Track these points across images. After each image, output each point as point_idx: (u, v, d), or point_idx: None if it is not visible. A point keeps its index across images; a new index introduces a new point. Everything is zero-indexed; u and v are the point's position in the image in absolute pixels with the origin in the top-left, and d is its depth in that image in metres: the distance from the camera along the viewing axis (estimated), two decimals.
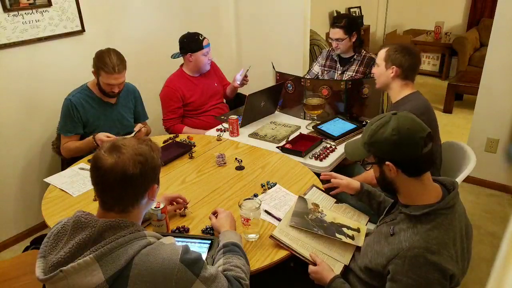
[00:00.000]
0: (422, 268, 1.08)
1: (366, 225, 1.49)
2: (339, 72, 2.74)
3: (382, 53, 1.92)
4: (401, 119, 1.14)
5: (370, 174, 1.86)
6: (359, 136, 1.33)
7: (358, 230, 1.40)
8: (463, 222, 1.19)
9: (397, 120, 1.14)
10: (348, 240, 1.35)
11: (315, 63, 2.92)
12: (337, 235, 1.37)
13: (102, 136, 2.09)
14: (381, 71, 1.92)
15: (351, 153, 1.34)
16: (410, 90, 1.88)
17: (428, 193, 1.17)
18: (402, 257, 1.11)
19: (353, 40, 2.64)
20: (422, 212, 1.14)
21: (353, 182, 1.60)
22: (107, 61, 2.08)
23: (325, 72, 2.81)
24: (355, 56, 2.69)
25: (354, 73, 2.68)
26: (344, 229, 1.39)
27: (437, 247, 1.08)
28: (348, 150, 1.36)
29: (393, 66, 1.85)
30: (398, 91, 1.89)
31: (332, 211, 1.50)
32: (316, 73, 2.86)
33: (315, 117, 2.38)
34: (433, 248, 1.08)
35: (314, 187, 1.70)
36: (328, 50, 2.86)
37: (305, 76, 2.80)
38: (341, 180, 1.62)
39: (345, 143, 1.43)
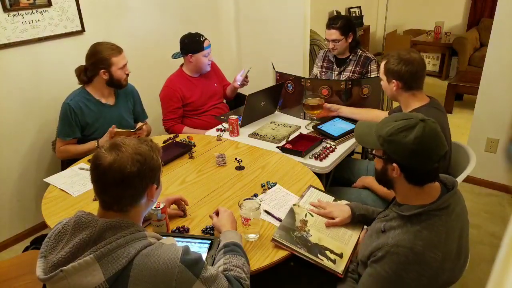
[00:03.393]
0: (399, 265, 1.09)
1: (359, 236, 1.48)
2: (336, 73, 2.74)
3: (381, 67, 1.85)
4: (427, 130, 1.11)
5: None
6: (375, 121, 1.29)
7: (341, 256, 1.37)
8: (462, 221, 1.19)
9: (423, 130, 1.10)
10: (329, 264, 1.34)
11: (314, 65, 2.93)
12: (319, 255, 1.36)
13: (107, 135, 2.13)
14: (385, 86, 1.85)
15: (362, 138, 1.30)
16: (419, 102, 1.80)
17: (425, 195, 1.17)
18: (384, 250, 1.12)
19: (350, 41, 2.64)
20: (413, 212, 1.14)
21: (344, 211, 1.49)
22: (108, 48, 2.15)
23: (323, 73, 2.81)
24: (351, 56, 2.69)
25: (351, 74, 2.68)
26: (327, 252, 1.37)
27: (422, 248, 1.08)
28: (359, 133, 1.31)
29: (393, 80, 1.78)
30: (406, 104, 1.83)
31: (320, 232, 1.45)
32: (315, 75, 2.87)
33: (315, 117, 2.38)
34: (417, 249, 1.08)
35: (311, 188, 1.70)
36: (324, 51, 2.85)
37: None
38: (330, 210, 1.52)
39: (358, 122, 1.36)
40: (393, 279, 1.10)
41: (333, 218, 1.49)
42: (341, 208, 1.51)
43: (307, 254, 1.35)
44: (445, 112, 1.83)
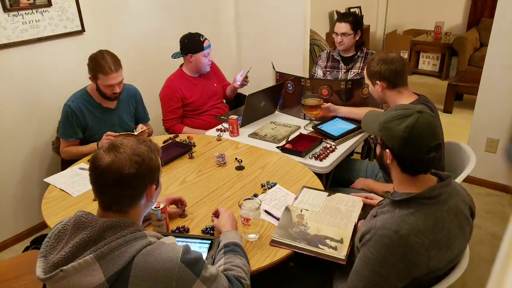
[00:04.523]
0: (384, 247, 1.12)
1: (358, 221, 1.49)
2: (344, 70, 2.76)
3: (365, 73, 1.92)
4: (420, 121, 1.14)
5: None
6: (386, 110, 1.35)
7: (341, 241, 1.39)
8: (455, 215, 1.20)
9: (416, 120, 1.14)
10: (331, 251, 1.35)
11: (316, 67, 2.92)
12: (319, 245, 1.37)
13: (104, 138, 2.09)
14: (372, 89, 1.92)
15: (366, 124, 1.38)
16: (407, 98, 1.83)
17: (418, 184, 1.20)
18: (372, 234, 1.16)
19: (357, 38, 2.68)
20: (402, 198, 1.17)
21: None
22: (102, 62, 2.07)
23: (328, 73, 2.82)
24: (358, 53, 2.73)
25: (359, 70, 2.70)
26: (327, 241, 1.39)
27: (408, 232, 1.11)
28: (366, 121, 1.38)
29: (377, 81, 1.84)
30: (394, 102, 1.85)
31: (317, 222, 1.48)
32: (316, 75, 2.87)
33: (313, 118, 2.38)
34: (402, 233, 1.11)
35: (304, 188, 1.71)
36: (327, 51, 2.87)
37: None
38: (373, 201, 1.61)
39: (368, 111, 1.43)
40: (379, 260, 1.13)
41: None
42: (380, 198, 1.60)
43: (307, 247, 1.37)
44: (435, 109, 1.85)
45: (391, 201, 1.22)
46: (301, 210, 1.54)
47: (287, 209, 1.54)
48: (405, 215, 1.14)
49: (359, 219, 1.50)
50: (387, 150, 1.20)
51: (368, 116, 1.39)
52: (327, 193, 1.66)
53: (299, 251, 1.36)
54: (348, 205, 1.58)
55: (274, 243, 1.39)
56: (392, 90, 1.84)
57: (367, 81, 1.92)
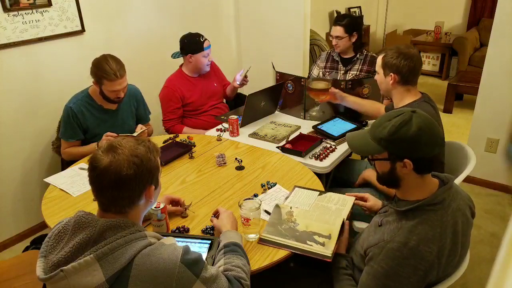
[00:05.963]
0: (394, 260, 1.12)
1: (347, 218, 1.49)
2: (342, 72, 2.75)
3: (379, 60, 1.86)
4: (423, 118, 1.14)
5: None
6: (377, 113, 1.32)
7: (329, 237, 1.39)
8: (459, 217, 1.19)
9: (420, 118, 1.13)
10: (318, 248, 1.35)
11: (314, 66, 2.92)
12: (308, 242, 1.38)
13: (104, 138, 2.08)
14: (381, 79, 1.86)
15: (361, 149, 1.29)
16: (413, 97, 1.82)
17: (424, 188, 1.19)
18: (381, 247, 1.15)
19: (353, 40, 2.66)
20: (408, 208, 1.16)
21: (377, 200, 1.58)
22: (107, 68, 2.05)
23: (327, 73, 2.81)
24: (358, 55, 2.72)
25: (358, 72, 2.69)
26: (316, 237, 1.40)
27: (417, 242, 1.10)
28: (356, 145, 1.29)
29: (391, 73, 1.80)
30: (400, 98, 1.84)
31: (306, 218, 1.49)
32: (316, 76, 2.86)
33: (319, 102, 2.34)
34: (411, 244, 1.10)
35: (296, 188, 1.71)
36: (328, 52, 2.87)
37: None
38: (367, 203, 1.60)
39: (346, 135, 1.35)
40: (390, 274, 1.12)
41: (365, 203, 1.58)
42: (375, 198, 1.59)
43: (295, 245, 1.37)
44: (437, 108, 1.85)
45: (396, 211, 1.20)
46: (290, 208, 1.54)
47: (277, 206, 1.55)
48: (412, 226, 1.13)
49: (348, 218, 1.51)
50: (406, 160, 1.14)
51: (354, 140, 1.29)
52: (318, 193, 1.66)
53: (285, 249, 1.37)
54: (339, 203, 1.58)
55: (262, 241, 1.40)
56: (402, 86, 1.81)
57: (378, 69, 1.86)
